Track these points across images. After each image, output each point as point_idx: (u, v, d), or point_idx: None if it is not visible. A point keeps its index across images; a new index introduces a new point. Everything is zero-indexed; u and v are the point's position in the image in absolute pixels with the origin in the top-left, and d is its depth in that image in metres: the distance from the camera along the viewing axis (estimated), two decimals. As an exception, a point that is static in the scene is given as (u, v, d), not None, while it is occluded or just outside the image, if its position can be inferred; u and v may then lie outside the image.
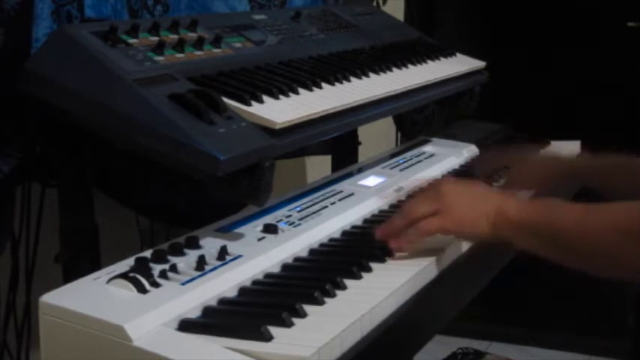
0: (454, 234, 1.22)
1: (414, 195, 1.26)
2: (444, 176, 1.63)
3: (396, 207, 1.45)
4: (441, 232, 1.20)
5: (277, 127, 1.20)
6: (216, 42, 1.37)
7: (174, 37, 1.31)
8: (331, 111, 1.33)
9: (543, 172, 1.52)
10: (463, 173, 1.64)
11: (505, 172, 1.58)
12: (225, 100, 1.19)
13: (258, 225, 1.23)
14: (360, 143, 1.99)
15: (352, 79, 1.49)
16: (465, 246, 1.27)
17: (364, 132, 1.95)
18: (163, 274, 1.02)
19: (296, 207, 1.34)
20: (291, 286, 1.09)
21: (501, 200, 1.21)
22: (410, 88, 1.60)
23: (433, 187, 1.28)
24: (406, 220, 1.21)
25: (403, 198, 1.50)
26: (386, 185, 1.51)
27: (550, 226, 1.16)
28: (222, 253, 1.11)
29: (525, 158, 1.60)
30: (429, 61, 1.80)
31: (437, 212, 1.19)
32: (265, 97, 1.26)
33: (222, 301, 1.02)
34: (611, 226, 1.10)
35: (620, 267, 1.11)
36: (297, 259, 1.19)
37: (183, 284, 1.01)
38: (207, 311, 0.99)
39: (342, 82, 1.45)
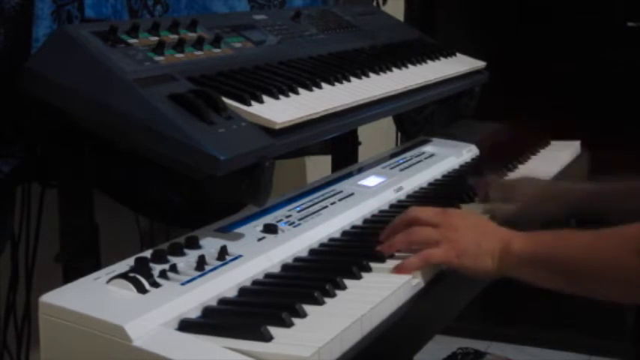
0: (457, 268, 1.19)
1: (420, 212, 1.24)
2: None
3: (396, 207, 1.45)
4: (444, 263, 1.18)
5: (277, 127, 1.20)
6: (216, 42, 1.37)
7: (174, 37, 1.31)
8: (331, 111, 1.33)
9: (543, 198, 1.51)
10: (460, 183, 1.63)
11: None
12: (225, 100, 1.19)
13: (258, 225, 1.23)
14: (360, 143, 1.99)
15: (352, 79, 1.49)
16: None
17: (364, 132, 1.95)
18: (163, 274, 1.02)
19: (296, 207, 1.34)
20: (291, 286, 1.09)
21: (507, 236, 1.18)
22: (410, 88, 1.59)
23: (442, 213, 1.24)
24: (409, 241, 1.19)
25: (403, 198, 1.50)
26: (386, 185, 1.51)
27: (559, 256, 1.14)
28: (222, 253, 1.11)
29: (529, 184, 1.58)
30: (429, 61, 1.80)
31: (441, 242, 1.18)
32: (265, 97, 1.26)
33: (222, 301, 1.02)
34: (625, 248, 1.07)
35: (632, 289, 1.08)
36: (297, 259, 1.19)
37: (183, 284, 1.01)
38: (207, 311, 0.99)
39: (342, 82, 1.45)
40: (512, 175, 1.69)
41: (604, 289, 1.12)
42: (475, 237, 1.18)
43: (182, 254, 1.10)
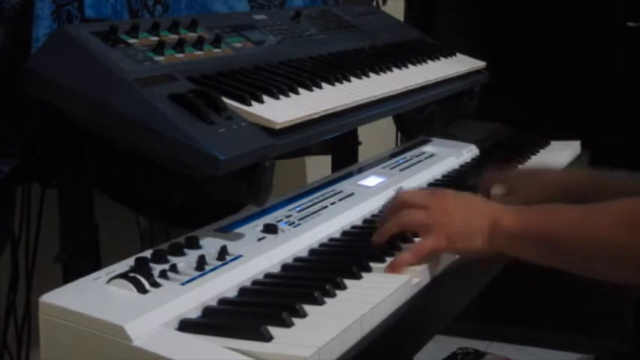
0: (448, 251, 1.19)
1: (409, 195, 1.25)
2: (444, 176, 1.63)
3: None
4: (436, 251, 1.18)
5: (277, 127, 1.20)
6: (216, 42, 1.37)
7: (174, 37, 1.31)
8: (331, 111, 1.33)
9: (543, 188, 1.51)
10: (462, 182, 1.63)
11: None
12: (225, 100, 1.19)
13: (258, 225, 1.23)
14: (360, 143, 1.99)
15: (352, 79, 1.49)
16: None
17: (364, 132, 1.95)
18: (163, 274, 1.02)
19: (296, 207, 1.34)
20: (291, 286, 1.09)
21: (496, 211, 1.18)
22: (410, 88, 1.59)
23: (430, 195, 1.26)
24: (399, 224, 1.21)
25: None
26: (386, 185, 1.51)
27: (547, 230, 1.14)
28: (222, 253, 1.11)
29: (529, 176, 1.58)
30: (429, 61, 1.80)
31: (431, 226, 1.18)
32: (265, 97, 1.26)
33: (222, 301, 1.02)
34: (612, 221, 1.08)
35: (623, 265, 1.09)
36: (297, 259, 1.19)
37: (183, 284, 1.01)
38: (207, 311, 0.99)
39: (342, 82, 1.45)
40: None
41: (593, 265, 1.12)
42: (465, 217, 1.19)
43: (182, 254, 1.10)
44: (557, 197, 1.47)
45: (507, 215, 1.17)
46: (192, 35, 1.34)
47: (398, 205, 1.24)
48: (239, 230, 1.21)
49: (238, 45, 1.42)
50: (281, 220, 1.27)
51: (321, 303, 1.01)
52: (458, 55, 1.95)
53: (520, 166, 1.76)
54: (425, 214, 1.20)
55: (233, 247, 1.13)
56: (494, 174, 1.55)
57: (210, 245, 1.14)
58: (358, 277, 1.11)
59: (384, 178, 1.55)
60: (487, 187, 1.51)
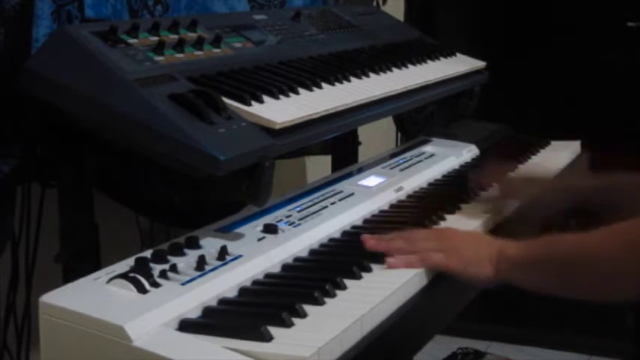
0: (458, 274, 1.20)
1: (413, 234, 1.25)
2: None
3: (396, 207, 1.45)
4: (444, 268, 1.19)
5: (277, 127, 1.20)
6: (216, 42, 1.37)
7: (174, 37, 1.31)
8: (331, 111, 1.33)
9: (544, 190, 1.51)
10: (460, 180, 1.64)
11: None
12: (225, 100, 1.19)
13: (258, 225, 1.23)
14: (360, 143, 1.99)
15: (352, 79, 1.49)
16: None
17: (364, 132, 1.95)
18: (163, 274, 1.02)
19: (296, 207, 1.34)
20: (291, 286, 1.09)
21: (501, 243, 1.21)
22: (410, 88, 1.59)
23: (435, 230, 1.29)
24: (410, 247, 1.20)
25: (403, 198, 1.50)
26: (386, 185, 1.51)
27: (549, 256, 1.16)
28: (222, 253, 1.11)
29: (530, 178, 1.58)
30: (429, 61, 1.80)
31: (442, 251, 1.20)
32: (265, 97, 1.26)
33: (222, 301, 1.02)
34: (612, 240, 1.10)
35: (624, 284, 1.10)
36: (297, 259, 1.19)
37: (183, 284, 1.01)
38: (207, 311, 0.99)
39: (342, 82, 1.45)
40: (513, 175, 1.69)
41: (594, 287, 1.13)
42: (472, 246, 1.22)
43: (182, 254, 1.10)
44: (557, 202, 1.47)
45: (512, 245, 1.19)
46: (192, 35, 1.34)
47: (404, 236, 1.23)
48: (239, 230, 1.21)
49: (238, 45, 1.42)
50: (281, 220, 1.27)
51: (321, 303, 1.02)
52: (458, 55, 1.95)
53: (520, 166, 1.76)
54: (435, 242, 1.22)
55: (233, 247, 1.13)
56: (493, 173, 1.55)
57: (210, 245, 1.14)
58: (358, 277, 1.11)
59: (384, 178, 1.55)
60: (484, 185, 1.51)
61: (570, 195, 1.48)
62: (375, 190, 1.47)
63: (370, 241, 1.21)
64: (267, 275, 1.12)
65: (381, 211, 1.42)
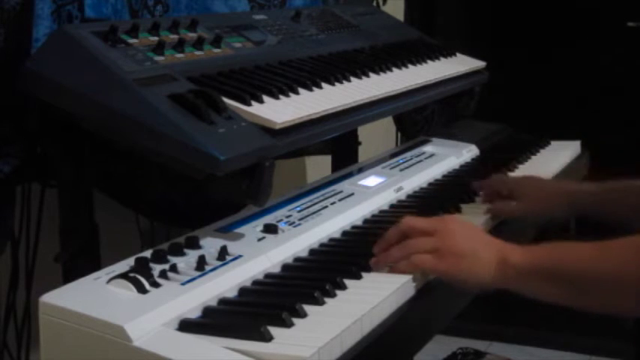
0: (448, 280, 1.16)
1: (415, 221, 1.20)
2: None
3: (396, 207, 1.45)
4: (434, 273, 1.16)
5: (277, 127, 1.20)
6: (216, 42, 1.37)
7: (174, 37, 1.31)
8: (331, 111, 1.33)
9: (546, 197, 1.50)
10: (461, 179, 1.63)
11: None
12: (225, 100, 1.19)
13: (258, 225, 1.23)
14: (360, 143, 1.99)
15: (352, 79, 1.49)
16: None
17: (364, 132, 1.95)
18: (163, 274, 1.02)
19: (296, 207, 1.34)
20: (291, 286, 1.09)
21: (504, 247, 1.15)
22: (410, 88, 1.59)
23: (437, 220, 1.22)
24: (405, 253, 1.15)
25: (403, 198, 1.50)
26: (386, 185, 1.51)
27: (561, 267, 1.11)
28: (222, 253, 1.11)
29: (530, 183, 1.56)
30: (429, 61, 1.80)
31: (437, 250, 1.14)
32: (265, 97, 1.26)
33: (222, 301, 1.02)
34: (629, 259, 1.06)
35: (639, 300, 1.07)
36: (297, 259, 1.19)
37: (183, 284, 1.01)
38: (207, 311, 0.99)
39: (342, 82, 1.45)
40: (512, 175, 1.69)
41: (606, 301, 1.10)
42: (472, 245, 1.15)
43: (182, 254, 1.10)
44: (565, 207, 1.46)
45: (515, 251, 1.14)
46: (192, 35, 1.34)
47: (404, 229, 1.19)
48: (239, 230, 1.21)
49: (238, 45, 1.42)
50: (281, 220, 1.27)
51: (321, 303, 1.02)
52: (458, 55, 1.95)
53: (520, 166, 1.76)
54: (431, 240, 1.16)
55: (233, 247, 1.13)
56: (498, 179, 1.55)
57: (210, 245, 1.14)
58: (358, 277, 1.11)
59: (384, 178, 1.55)
60: (490, 192, 1.50)
61: (569, 200, 1.47)
62: (375, 190, 1.47)
63: (375, 264, 1.16)
64: (267, 275, 1.12)
65: (381, 211, 1.42)
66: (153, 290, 0.98)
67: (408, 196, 1.51)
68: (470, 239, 1.17)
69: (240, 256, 1.12)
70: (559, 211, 1.48)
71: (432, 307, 1.19)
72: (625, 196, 1.40)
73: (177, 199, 1.40)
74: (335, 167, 1.94)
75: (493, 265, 1.13)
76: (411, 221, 1.20)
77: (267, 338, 0.91)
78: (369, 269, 1.14)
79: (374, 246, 1.19)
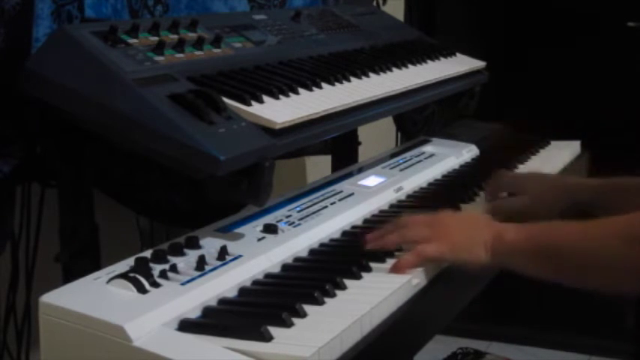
0: (451, 260, 1.20)
1: (408, 220, 1.24)
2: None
3: (396, 207, 1.45)
4: (438, 257, 1.19)
5: (277, 127, 1.20)
6: (216, 42, 1.37)
7: (174, 37, 1.31)
8: (331, 111, 1.33)
9: (547, 192, 1.51)
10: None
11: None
12: (225, 100, 1.19)
13: (258, 225, 1.23)
14: (360, 143, 1.99)
15: (352, 79, 1.49)
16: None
17: (364, 132, 1.94)
18: (163, 274, 1.02)
19: (296, 207, 1.34)
20: (291, 286, 1.09)
21: (499, 226, 1.21)
22: (410, 88, 1.59)
23: (432, 215, 1.27)
24: (401, 239, 1.20)
25: (403, 198, 1.50)
26: (386, 185, 1.51)
27: (550, 244, 1.16)
28: (222, 253, 1.11)
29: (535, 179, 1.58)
30: (429, 61, 1.80)
31: (433, 238, 1.19)
32: (265, 97, 1.26)
33: (222, 301, 1.02)
34: (612, 235, 1.10)
35: (623, 277, 1.10)
36: (297, 259, 1.19)
37: (183, 284, 1.01)
38: (207, 311, 0.99)
39: (342, 82, 1.45)
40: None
41: (592, 277, 1.14)
42: (466, 230, 1.21)
43: (182, 254, 1.10)
44: (568, 202, 1.47)
45: (510, 230, 1.19)
46: (192, 35, 1.34)
47: (400, 224, 1.23)
48: (239, 230, 1.21)
49: (238, 45, 1.42)
50: (281, 220, 1.27)
51: (321, 303, 1.02)
52: (458, 55, 1.95)
53: (520, 166, 1.76)
54: (428, 229, 1.21)
55: (233, 247, 1.13)
56: (502, 180, 1.55)
57: (210, 245, 1.14)
58: (358, 277, 1.11)
59: (384, 178, 1.55)
60: (495, 192, 1.51)
61: (571, 195, 1.48)
62: (374, 190, 1.47)
63: (368, 243, 1.21)
64: (267, 275, 1.12)
65: (381, 211, 1.42)
66: (153, 290, 0.98)
67: (408, 196, 1.51)
68: (464, 223, 1.24)
69: (240, 256, 1.12)
70: (559, 205, 1.49)
71: (432, 307, 1.19)
72: (626, 192, 1.40)
73: (177, 199, 1.40)
74: (335, 167, 1.94)
75: (489, 245, 1.18)
76: (406, 218, 1.25)
77: (267, 338, 0.91)
78: (369, 269, 1.14)
79: (368, 236, 1.22)
